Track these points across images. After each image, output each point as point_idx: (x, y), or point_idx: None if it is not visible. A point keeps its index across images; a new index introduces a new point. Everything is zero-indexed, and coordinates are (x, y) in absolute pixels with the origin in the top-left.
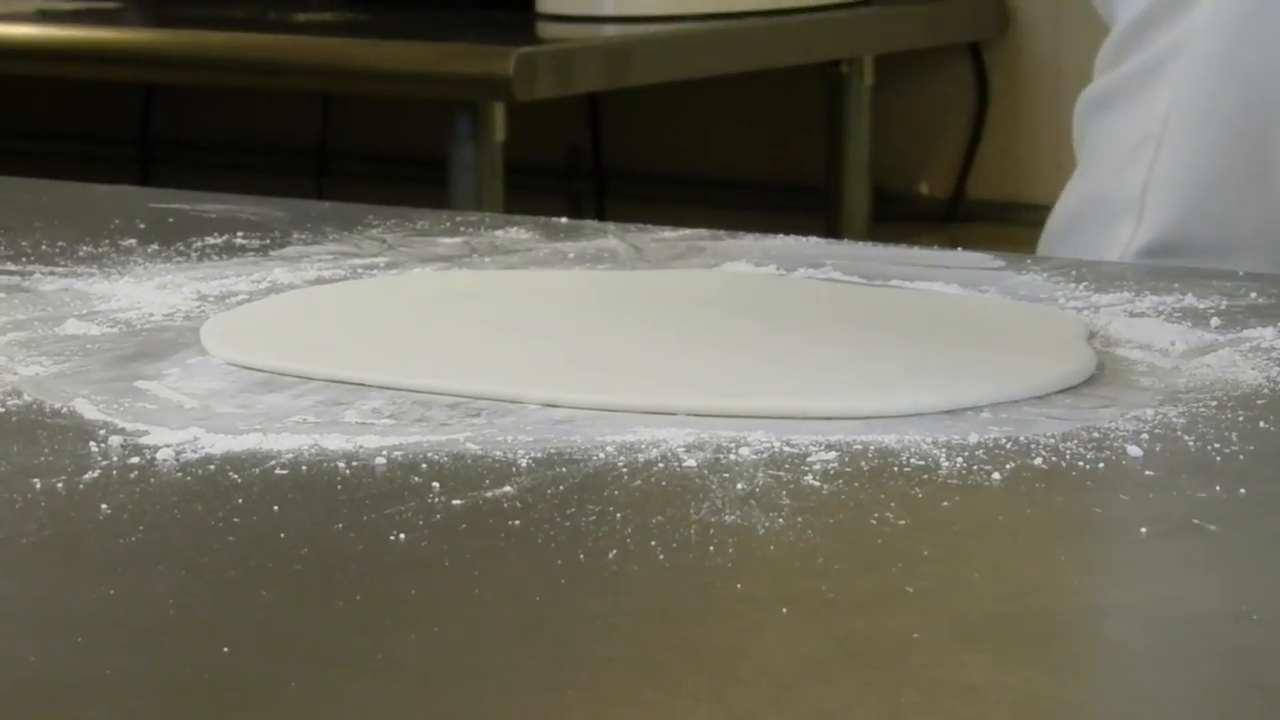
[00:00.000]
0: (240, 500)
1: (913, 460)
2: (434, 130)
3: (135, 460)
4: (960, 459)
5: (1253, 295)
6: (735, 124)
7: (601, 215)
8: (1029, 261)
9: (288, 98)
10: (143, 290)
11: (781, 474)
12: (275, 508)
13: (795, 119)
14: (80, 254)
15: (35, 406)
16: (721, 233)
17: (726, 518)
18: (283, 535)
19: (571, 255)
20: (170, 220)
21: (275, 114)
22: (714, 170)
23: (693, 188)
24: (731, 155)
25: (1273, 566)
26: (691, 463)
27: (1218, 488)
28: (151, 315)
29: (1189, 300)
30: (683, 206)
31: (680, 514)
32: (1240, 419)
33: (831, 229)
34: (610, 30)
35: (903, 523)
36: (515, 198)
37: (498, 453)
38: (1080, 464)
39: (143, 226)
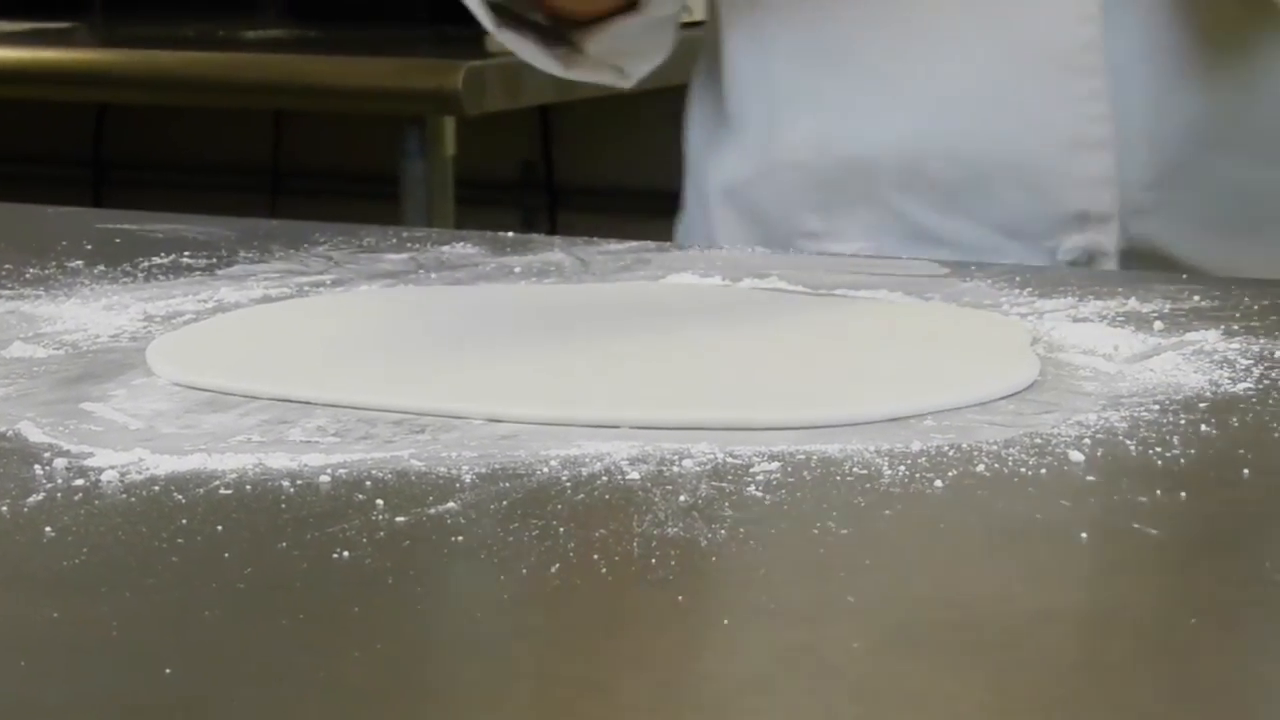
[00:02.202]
0: (184, 521)
1: (855, 469)
2: (386, 145)
3: (80, 482)
4: (903, 467)
5: (1195, 298)
6: None
7: (554, 228)
8: (973, 268)
9: (240, 115)
10: (89, 311)
11: (724, 485)
12: (219, 528)
13: None
14: (27, 276)
15: None
16: (668, 244)
17: (669, 530)
18: (226, 555)
19: (518, 269)
20: (117, 241)
21: (228, 131)
22: (667, 181)
23: (646, 199)
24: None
25: (1212, 570)
26: (635, 476)
27: (1158, 492)
28: (98, 337)
29: (1132, 304)
30: (636, 218)
31: (623, 527)
32: (1182, 423)
33: None
34: None
35: (844, 532)
36: (469, 212)
37: (441, 469)
38: (1022, 470)
39: (89, 247)
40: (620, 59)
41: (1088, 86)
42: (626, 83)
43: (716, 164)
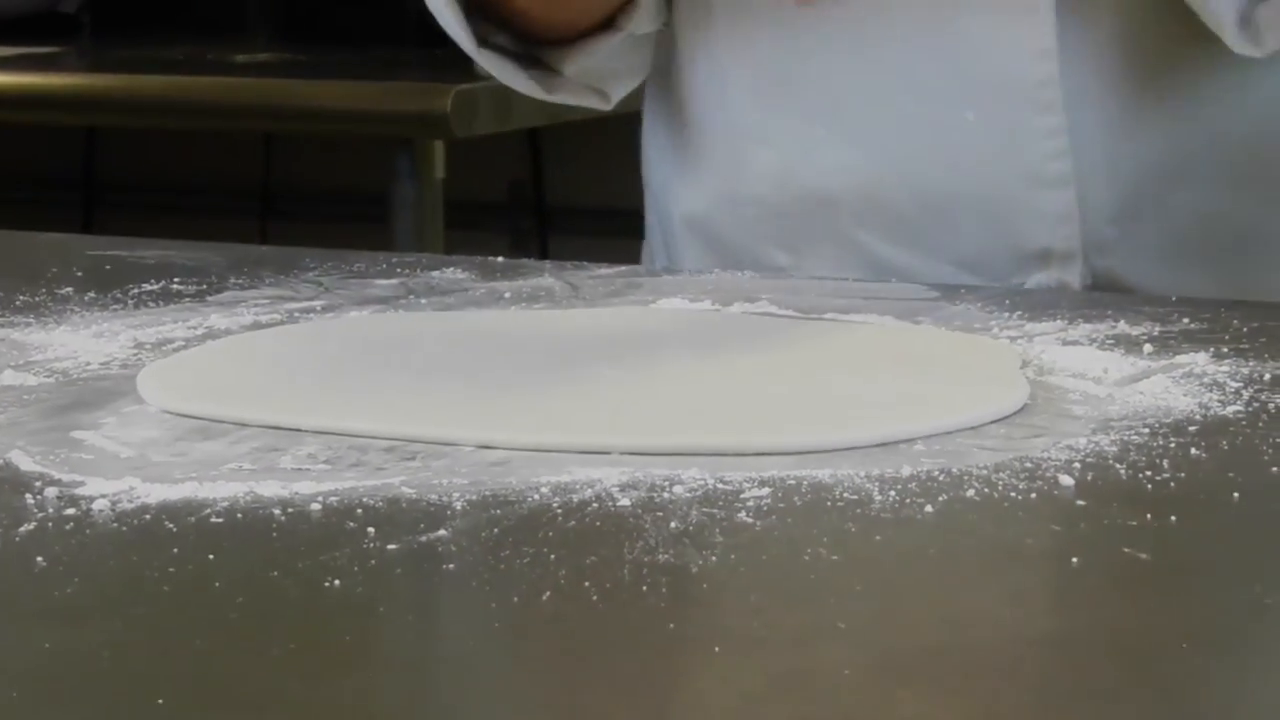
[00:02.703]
0: (176, 550)
1: (845, 494)
2: (375, 168)
3: (71, 512)
4: (893, 492)
5: (1185, 321)
6: None
7: (545, 250)
8: (962, 291)
9: (230, 138)
10: (79, 339)
11: (715, 511)
12: (210, 556)
13: None
14: (17, 303)
15: None
16: (658, 268)
17: (660, 557)
18: (218, 584)
19: (508, 294)
20: (107, 267)
21: (217, 154)
22: None
23: (636, 221)
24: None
25: (1204, 595)
26: (625, 502)
27: (1149, 516)
28: (88, 364)
29: (1121, 327)
30: (626, 240)
31: (614, 554)
32: (1172, 446)
33: None
34: None
35: (835, 558)
36: (458, 234)
37: (433, 496)
38: (1012, 494)
39: (80, 274)
40: (598, 80)
41: (1046, 123)
42: (606, 105)
43: (678, 194)
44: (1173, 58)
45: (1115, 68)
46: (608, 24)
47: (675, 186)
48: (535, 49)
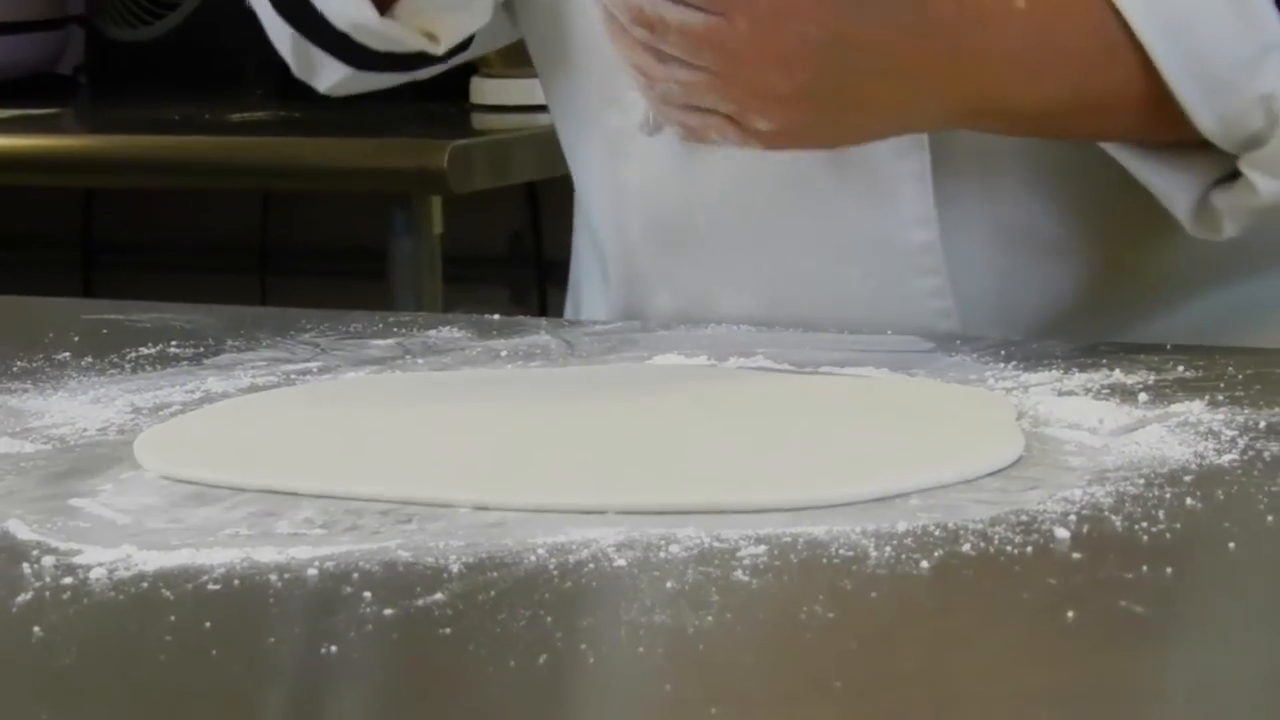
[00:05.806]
0: (173, 617)
1: (841, 551)
2: (373, 224)
3: (68, 580)
4: (889, 548)
5: (1180, 369)
6: None
7: (544, 303)
8: (958, 342)
9: (228, 196)
10: (76, 405)
11: (711, 570)
12: (207, 624)
13: None
14: (14, 369)
15: None
16: (653, 323)
17: (656, 617)
18: (214, 652)
19: (504, 353)
20: (104, 331)
21: (216, 213)
22: None
23: None
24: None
25: (1199, 647)
26: (622, 562)
27: (1144, 568)
28: (85, 430)
29: (1116, 376)
30: None
31: (610, 615)
32: (1168, 496)
33: None
34: (545, 118)
35: (831, 615)
36: (458, 289)
37: (429, 559)
38: (1008, 549)
39: (76, 339)
40: (429, 22)
41: (929, 284)
42: (437, 48)
43: (589, 292)
44: (1059, 212)
45: (997, 225)
46: None
47: (589, 287)
48: None
